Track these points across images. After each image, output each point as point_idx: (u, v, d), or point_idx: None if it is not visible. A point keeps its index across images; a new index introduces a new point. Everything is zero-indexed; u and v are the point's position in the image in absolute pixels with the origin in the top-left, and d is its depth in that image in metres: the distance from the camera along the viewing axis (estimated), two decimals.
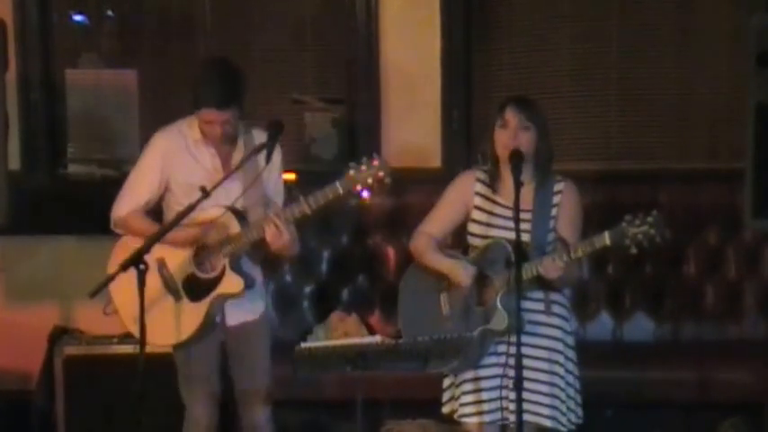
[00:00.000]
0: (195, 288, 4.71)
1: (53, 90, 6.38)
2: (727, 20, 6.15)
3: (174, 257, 4.72)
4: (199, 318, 4.72)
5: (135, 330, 4.57)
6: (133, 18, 6.48)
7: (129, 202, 4.82)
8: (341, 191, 4.52)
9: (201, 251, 4.71)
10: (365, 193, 4.51)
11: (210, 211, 4.67)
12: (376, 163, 4.50)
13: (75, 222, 6.07)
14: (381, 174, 4.49)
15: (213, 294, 4.70)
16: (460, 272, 4.68)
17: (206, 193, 4.56)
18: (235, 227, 4.66)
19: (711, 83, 6.24)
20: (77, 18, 6.51)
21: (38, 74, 6.34)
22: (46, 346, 5.74)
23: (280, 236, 4.59)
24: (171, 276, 4.73)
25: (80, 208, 6.06)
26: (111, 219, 4.85)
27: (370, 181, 4.49)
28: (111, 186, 6.06)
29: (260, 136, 4.79)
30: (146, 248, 4.49)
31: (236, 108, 4.68)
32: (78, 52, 6.46)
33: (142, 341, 4.48)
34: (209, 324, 4.76)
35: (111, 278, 4.51)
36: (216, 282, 4.69)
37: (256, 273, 4.87)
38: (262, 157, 4.71)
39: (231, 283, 4.68)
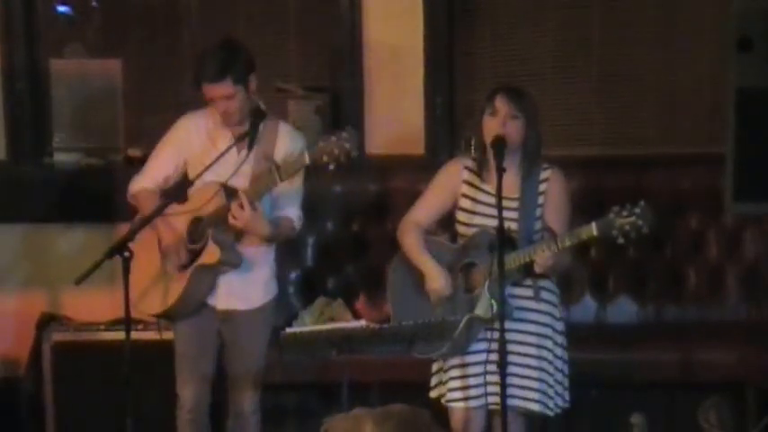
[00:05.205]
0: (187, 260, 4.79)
1: (38, 80, 6.36)
2: (710, 4, 6.14)
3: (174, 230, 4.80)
4: (180, 286, 4.75)
5: (139, 308, 4.80)
6: (118, 8, 6.48)
7: (143, 179, 4.90)
8: (308, 161, 4.59)
9: (196, 224, 4.75)
10: (331, 166, 4.58)
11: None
12: (345, 135, 4.58)
13: (61, 211, 6.08)
14: (348, 146, 4.56)
15: (195, 264, 4.74)
16: (436, 282, 4.71)
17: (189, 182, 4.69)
18: (222, 199, 4.69)
19: (694, 68, 6.24)
20: (62, 8, 6.51)
21: (23, 64, 6.33)
22: (34, 333, 5.75)
23: (241, 212, 4.60)
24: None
25: (66, 196, 6.08)
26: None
27: (336, 152, 4.55)
28: (97, 175, 6.09)
29: (285, 129, 4.85)
30: (130, 236, 4.57)
31: (233, 81, 4.68)
32: (63, 42, 6.45)
33: (127, 327, 4.56)
34: (192, 296, 4.79)
35: (98, 265, 4.56)
36: (200, 252, 4.74)
37: (263, 261, 4.91)
38: (274, 148, 4.78)
39: (209, 253, 4.72)
